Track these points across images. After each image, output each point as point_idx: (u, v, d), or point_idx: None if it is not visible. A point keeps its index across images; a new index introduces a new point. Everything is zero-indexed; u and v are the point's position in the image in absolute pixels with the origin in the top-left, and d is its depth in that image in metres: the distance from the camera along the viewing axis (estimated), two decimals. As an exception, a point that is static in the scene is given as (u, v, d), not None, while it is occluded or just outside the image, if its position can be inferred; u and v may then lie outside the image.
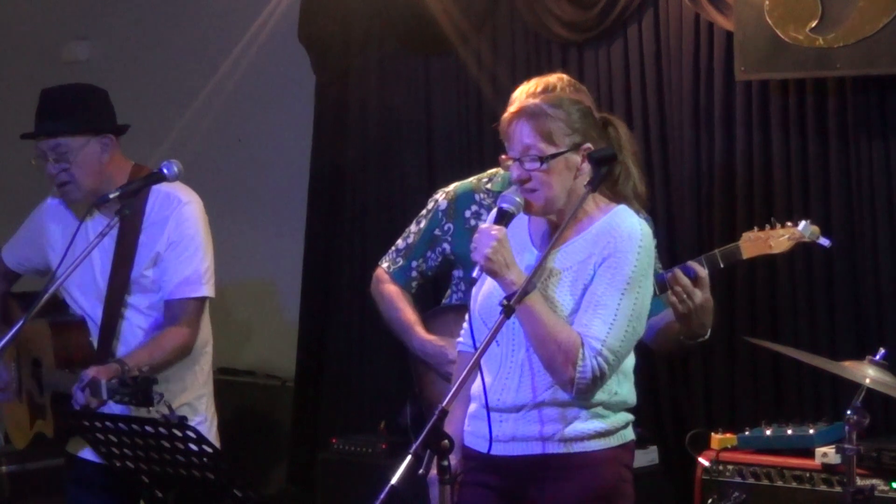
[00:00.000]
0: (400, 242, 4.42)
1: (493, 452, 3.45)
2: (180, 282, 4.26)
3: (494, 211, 3.45)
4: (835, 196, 5.07)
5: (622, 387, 3.47)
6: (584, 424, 3.42)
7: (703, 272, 3.92)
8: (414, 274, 4.37)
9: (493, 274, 3.36)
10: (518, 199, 3.43)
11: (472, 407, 3.53)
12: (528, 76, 5.69)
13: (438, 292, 4.53)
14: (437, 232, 4.32)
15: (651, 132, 5.46)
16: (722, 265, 4.17)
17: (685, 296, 3.84)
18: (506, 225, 3.40)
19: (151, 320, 4.30)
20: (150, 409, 3.85)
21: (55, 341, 4.27)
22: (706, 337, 3.99)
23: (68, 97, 4.34)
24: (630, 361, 3.52)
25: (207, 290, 4.30)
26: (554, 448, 3.42)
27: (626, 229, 3.40)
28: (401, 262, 4.39)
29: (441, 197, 4.35)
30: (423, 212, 4.39)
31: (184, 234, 4.28)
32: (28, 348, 4.41)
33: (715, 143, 5.31)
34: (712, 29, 5.27)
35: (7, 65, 7.67)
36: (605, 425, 3.44)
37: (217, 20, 6.93)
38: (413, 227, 4.39)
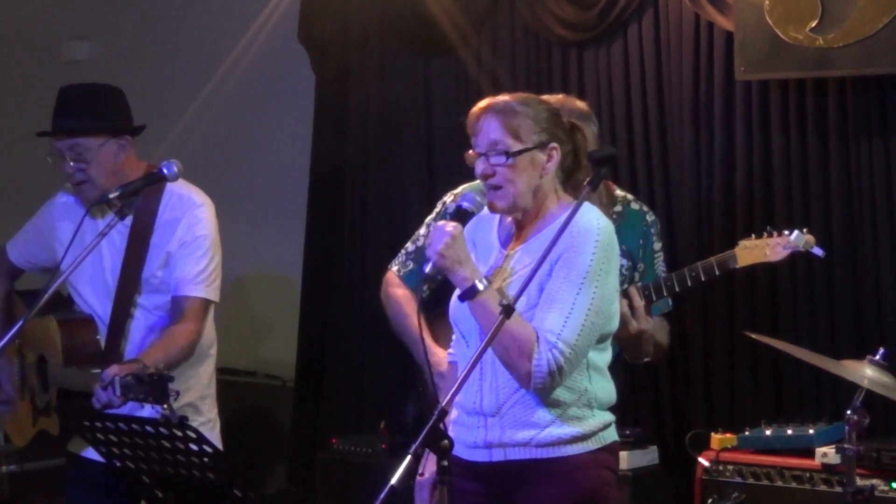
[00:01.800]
0: (409, 245, 4.37)
1: (473, 459, 3.46)
2: (189, 280, 4.27)
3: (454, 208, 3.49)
4: (835, 196, 5.08)
5: (594, 384, 3.45)
6: (560, 429, 3.41)
7: (637, 302, 3.95)
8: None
9: (446, 270, 3.37)
10: (479, 198, 3.45)
11: (454, 413, 3.54)
12: (528, 76, 5.75)
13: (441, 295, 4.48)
14: None
15: (651, 132, 5.46)
16: (717, 273, 4.18)
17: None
18: (464, 223, 3.42)
19: (159, 320, 4.31)
20: (165, 406, 3.85)
21: (63, 338, 4.27)
22: (648, 360, 4.12)
23: (87, 96, 4.34)
24: (604, 357, 3.50)
25: (212, 292, 4.32)
26: (531, 454, 3.41)
27: (583, 225, 3.37)
28: (411, 265, 4.34)
29: (449, 199, 4.32)
30: (432, 214, 4.35)
31: (196, 235, 4.30)
32: (33, 345, 4.41)
33: (715, 143, 5.31)
34: (712, 29, 5.27)
35: (7, 65, 7.67)
36: (581, 429, 3.42)
37: (217, 20, 6.93)
38: (422, 230, 4.35)
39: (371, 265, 6.24)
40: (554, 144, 3.44)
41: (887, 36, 4.79)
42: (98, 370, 4.13)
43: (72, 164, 4.26)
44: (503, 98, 3.49)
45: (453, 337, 3.68)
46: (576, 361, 3.36)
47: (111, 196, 4.08)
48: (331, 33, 6.29)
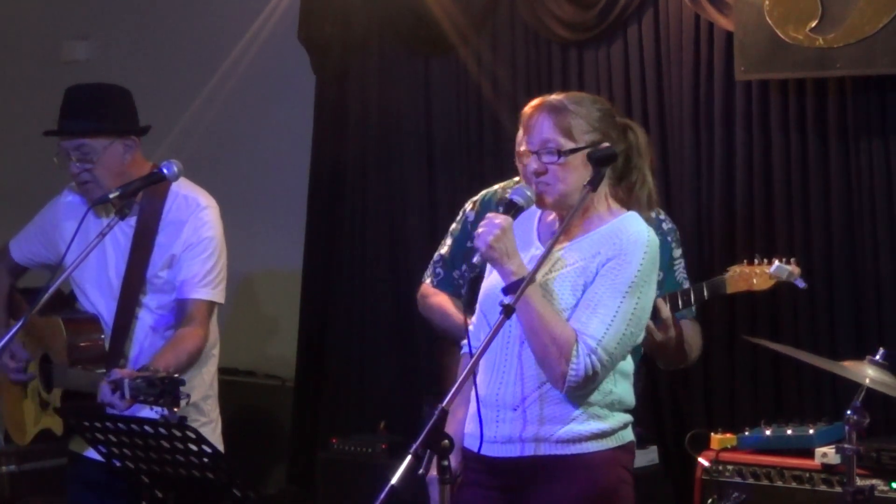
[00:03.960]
0: (436, 256, 4.41)
1: (491, 454, 3.46)
2: (195, 282, 4.28)
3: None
4: (835, 196, 5.07)
5: (618, 386, 3.47)
6: (581, 426, 3.42)
7: (665, 312, 3.97)
8: (460, 282, 4.34)
9: (494, 261, 3.37)
10: (529, 192, 3.44)
11: (473, 408, 3.53)
12: (528, 76, 5.75)
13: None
14: (469, 244, 4.27)
15: (651, 132, 5.45)
16: (706, 296, 4.26)
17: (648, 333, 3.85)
18: (514, 217, 3.41)
19: (163, 320, 4.32)
20: (176, 410, 3.84)
21: (68, 338, 4.27)
22: (688, 364, 4.14)
23: (94, 97, 4.34)
24: (629, 363, 3.52)
25: (217, 294, 4.33)
26: (551, 449, 3.42)
27: (634, 234, 3.42)
28: (441, 273, 4.37)
29: (469, 207, 4.36)
30: (454, 224, 4.39)
31: (201, 237, 4.30)
32: (38, 343, 4.40)
33: (715, 143, 5.31)
34: (712, 29, 5.27)
35: (7, 65, 7.67)
36: (602, 426, 3.44)
37: (217, 20, 6.93)
38: (448, 240, 4.39)
39: (371, 265, 6.25)
40: (606, 144, 3.46)
41: (887, 36, 4.78)
42: (103, 370, 4.14)
43: (77, 164, 4.26)
44: (557, 97, 3.50)
45: (471, 327, 3.65)
46: (611, 368, 3.39)
47: (111, 196, 4.09)
48: (331, 33, 6.29)
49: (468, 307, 4.18)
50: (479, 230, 3.37)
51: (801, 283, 4.32)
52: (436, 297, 4.36)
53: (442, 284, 4.36)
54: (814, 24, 4.91)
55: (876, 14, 4.80)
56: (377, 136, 6.26)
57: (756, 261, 4.31)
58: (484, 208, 4.29)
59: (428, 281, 4.39)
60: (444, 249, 4.38)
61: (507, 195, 3.52)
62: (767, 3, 4.97)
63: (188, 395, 3.86)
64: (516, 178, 4.30)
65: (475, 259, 3.39)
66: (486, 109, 5.82)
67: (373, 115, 6.27)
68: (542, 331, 3.33)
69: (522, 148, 3.50)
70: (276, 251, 6.78)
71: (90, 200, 4.26)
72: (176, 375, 3.84)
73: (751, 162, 5.23)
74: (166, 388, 3.82)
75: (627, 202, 3.55)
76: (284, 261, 6.70)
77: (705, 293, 4.24)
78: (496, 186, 4.37)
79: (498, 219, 3.37)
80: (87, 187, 4.28)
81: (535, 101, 3.51)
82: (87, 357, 4.24)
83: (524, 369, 3.43)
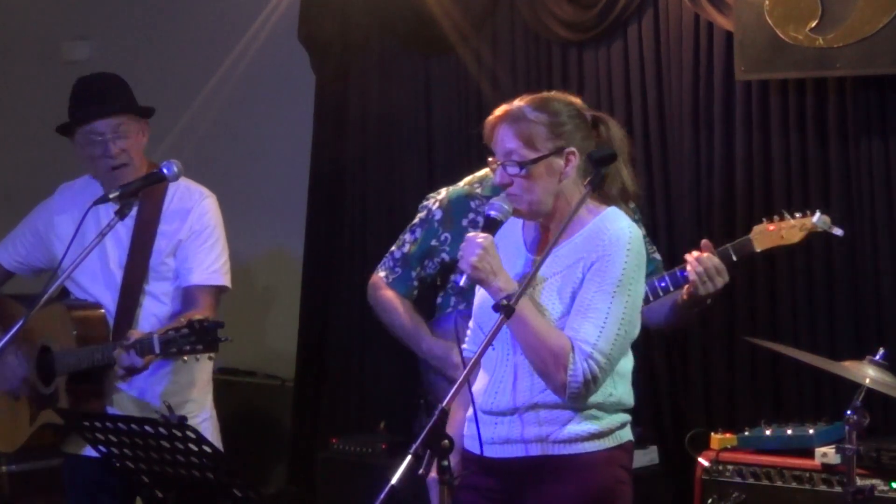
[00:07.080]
0: (395, 251, 4.41)
1: (488, 455, 3.46)
2: (201, 270, 4.32)
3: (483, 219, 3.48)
4: (835, 196, 5.07)
5: (618, 388, 3.47)
6: (578, 426, 3.42)
7: (717, 262, 4.05)
8: (415, 283, 4.39)
9: (481, 282, 3.37)
10: (506, 206, 3.44)
11: (471, 411, 3.54)
12: (528, 76, 5.75)
13: (433, 295, 4.49)
14: (433, 242, 4.31)
15: (651, 132, 5.46)
16: (735, 258, 4.19)
17: (707, 278, 3.98)
18: (493, 232, 3.41)
19: (167, 309, 4.34)
20: (212, 357, 3.83)
21: (75, 321, 4.28)
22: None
23: (110, 82, 4.45)
24: (628, 363, 3.52)
25: (226, 279, 4.39)
26: (548, 450, 3.42)
27: (615, 232, 3.39)
28: (399, 271, 4.39)
29: (434, 206, 4.33)
30: (416, 220, 4.38)
31: (206, 225, 4.36)
32: (32, 339, 4.39)
33: (715, 143, 5.31)
34: (712, 29, 5.27)
35: (7, 65, 7.67)
36: (599, 427, 3.44)
37: (217, 20, 6.93)
38: (408, 237, 4.38)
39: (371, 265, 6.19)
40: (571, 149, 3.44)
41: (887, 36, 4.78)
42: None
43: (115, 143, 4.27)
44: (518, 104, 3.48)
45: (468, 332, 3.67)
46: (609, 370, 3.38)
47: (111, 196, 4.09)
48: (331, 33, 6.29)
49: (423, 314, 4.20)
50: (461, 252, 3.37)
51: (838, 231, 4.26)
52: (385, 292, 4.39)
53: (397, 283, 4.38)
54: (814, 24, 4.91)
55: (876, 14, 4.80)
56: (377, 136, 6.26)
57: (776, 217, 4.26)
58: (455, 207, 4.29)
59: (382, 274, 4.42)
60: (406, 248, 4.37)
61: (484, 209, 3.51)
62: (767, 3, 4.97)
63: (228, 339, 3.86)
64: (480, 174, 4.32)
65: (462, 282, 3.38)
66: (486, 109, 5.75)
67: (373, 115, 6.27)
68: (537, 343, 3.34)
69: (491, 158, 3.49)
70: (275, 252, 6.79)
71: (107, 190, 4.23)
72: (214, 319, 3.84)
73: (750, 162, 5.23)
74: (204, 332, 3.80)
75: (600, 197, 3.52)
76: (284, 261, 6.70)
77: (732, 256, 4.19)
78: (462, 184, 4.36)
79: (479, 238, 3.37)
80: (120, 172, 4.29)
81: (498, 111, 3.50)
82: (95, 337, 4.25)
83: (522, 376, 3.43)
